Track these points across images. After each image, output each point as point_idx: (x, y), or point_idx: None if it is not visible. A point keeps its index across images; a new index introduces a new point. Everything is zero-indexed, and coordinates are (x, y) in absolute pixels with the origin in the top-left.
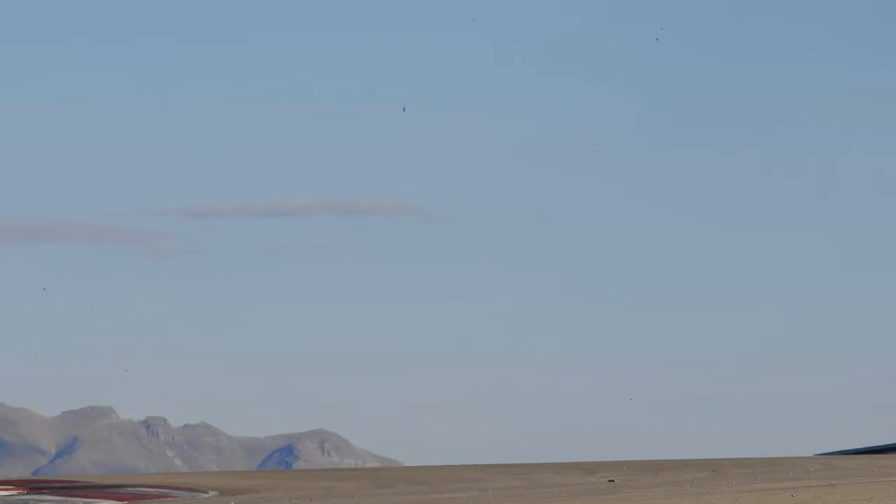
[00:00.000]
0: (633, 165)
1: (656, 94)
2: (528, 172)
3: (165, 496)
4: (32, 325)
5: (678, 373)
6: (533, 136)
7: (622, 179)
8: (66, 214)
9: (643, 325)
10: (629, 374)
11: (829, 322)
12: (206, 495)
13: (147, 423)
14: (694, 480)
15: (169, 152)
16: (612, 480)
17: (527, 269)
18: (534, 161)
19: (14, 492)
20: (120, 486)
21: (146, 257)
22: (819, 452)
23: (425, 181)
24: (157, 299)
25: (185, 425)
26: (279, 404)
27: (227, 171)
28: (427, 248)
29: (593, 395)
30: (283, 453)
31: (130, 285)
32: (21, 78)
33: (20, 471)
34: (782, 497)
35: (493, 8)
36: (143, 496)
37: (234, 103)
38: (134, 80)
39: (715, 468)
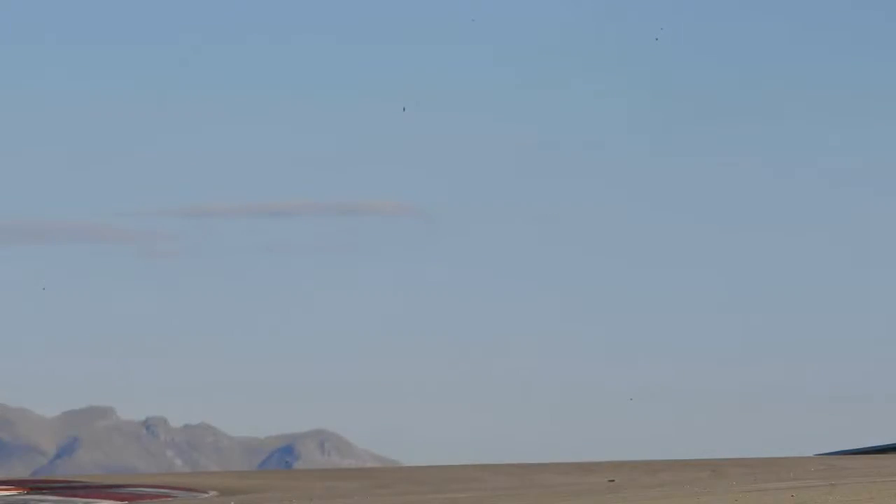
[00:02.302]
0: (633, 166)
1: (657, 95)
2: (528, 173)
3: (166, 496)
4: (32, 325)
5: (678, 372)
6: (533, 136)
7: (623, 180)
8: (66, 214)
9: (643, 325)
10: (630, 374)
11: (831, 320)
12: (206, 495)
13: (147, 424)
14: (694, 480)
15: (169, 152)
16: (613, 480)
17: (527, 270)
18: (534, 162)
19: (14, 492)
20: (120, 486)
21: (145, 257)
22: (819, 452)
23: (425, 182)
24: (156, 299)
25: (185, 425)
26: (279, 404)
27: (227, 171)
28: (426, 249)
29: (593, 394)
30: (283, 453)
31: (130, 285)
32: (21, 78)
33: (20, 471)
34: (782, 497)
35: (493, 8)
36: (144, 496)
37: (234, 103)
38: (134, 80)
39: (715, 468)
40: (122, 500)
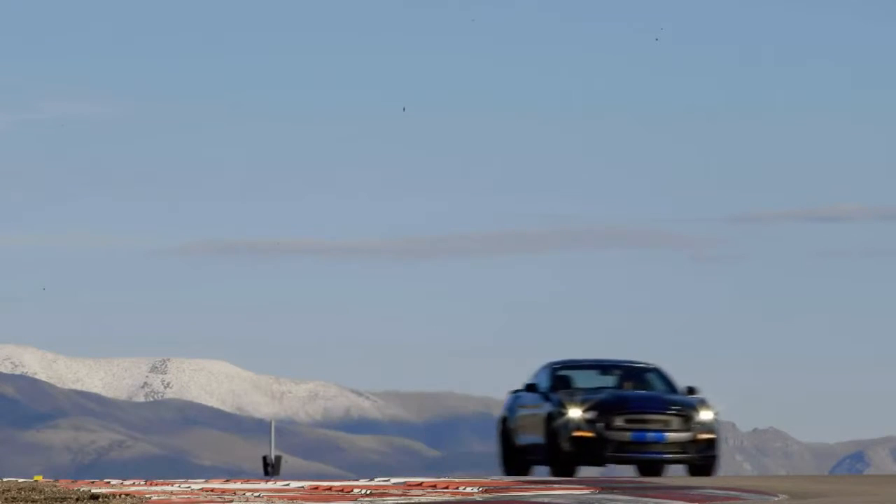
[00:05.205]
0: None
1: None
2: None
3: (735, 498)
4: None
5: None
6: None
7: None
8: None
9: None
10: None
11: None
12: (776, 498)
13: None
14: None
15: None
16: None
17: None
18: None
19: (586, 490)
20: (690, 488)
21: (698, 262)
22: None
23: None
24: (715, 300)
25: (754, 430)
26: (849, 410)
27: (773, 178)
28: None
29: None
30: (854, 460)
31: (683, 288)
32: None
33: (589, 470)
34: None
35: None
36: (714, 498)
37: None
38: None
39: None
40: (692, 500)
